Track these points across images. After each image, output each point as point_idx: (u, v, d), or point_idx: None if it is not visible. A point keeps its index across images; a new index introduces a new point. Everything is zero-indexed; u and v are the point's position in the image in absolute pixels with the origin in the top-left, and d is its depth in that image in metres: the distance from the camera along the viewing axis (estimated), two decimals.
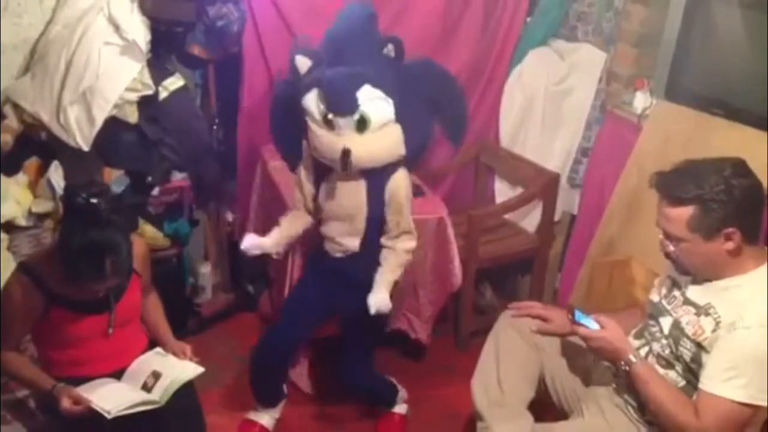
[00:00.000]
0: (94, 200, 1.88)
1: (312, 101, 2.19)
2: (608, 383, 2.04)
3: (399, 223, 2.31)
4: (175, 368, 2.09)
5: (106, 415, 1.88)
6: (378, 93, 2.15)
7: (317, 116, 2.19)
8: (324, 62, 2.22)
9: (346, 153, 2.14)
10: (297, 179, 2.42)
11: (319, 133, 2.20)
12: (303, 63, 2.24)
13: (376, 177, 2.27)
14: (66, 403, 1.91)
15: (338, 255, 2.38)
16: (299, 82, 2.23)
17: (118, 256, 1.89)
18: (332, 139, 2.18)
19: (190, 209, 3.05)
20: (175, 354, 2.15)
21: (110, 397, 1.95)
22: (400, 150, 2.24)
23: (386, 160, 2.23)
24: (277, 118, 2.44)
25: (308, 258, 2.58)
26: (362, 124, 2.16)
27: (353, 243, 2.34)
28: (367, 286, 2.29)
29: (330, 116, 2.15)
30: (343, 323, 2.53)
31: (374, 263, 2.33)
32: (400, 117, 2.20)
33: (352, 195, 2.29)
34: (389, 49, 2.22)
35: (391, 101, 2.17)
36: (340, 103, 2.14)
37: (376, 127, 2.17)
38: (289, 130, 2.36)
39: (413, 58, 2.27)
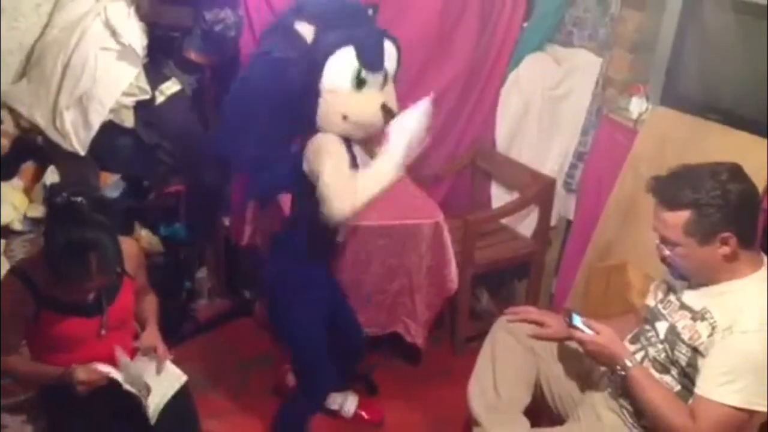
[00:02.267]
0: (75, 199, 1.88)
1: (340, 62, 2.08)
2: (604, 388, 2.04)
3: None
4: (162, 382, 2.08)
5: (123, 383, 1.94)
6: (392, 48, 2.17)
7: (345, 79, 2.09)
8: (330, 26, 2.12)
9: (387, 108, 2.12)
10: (337, 156, 2.12)
11: (347, 98, 2.11)
12: (307, 30, 2.10)
13: None
14: (82, 374, 1.92)
15: (342, 237, 2.32)
16: (310, 50, 2.09)
17: (102, 253, 1.88)
18: (364, 100, 2.13)
19: (187, 213, 3.05)
20: (144, 347, 2.11)
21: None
22: None
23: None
24: (256, 113, 2.14)
25: (300, 269, 2.33)
26: (385, 80, 2.16)
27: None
28: None
29: (363, 74, 2.10)
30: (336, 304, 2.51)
31: None
32: None
33: (365, 161, 2.23)
34: (370, 13, 2.23)
35: (396, 56, 2.18)
36: (377, 59, 2.12)
37: (389, 83, 2.19)
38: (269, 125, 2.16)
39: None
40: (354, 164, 2.18)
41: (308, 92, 2.11)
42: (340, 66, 2.09)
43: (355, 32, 2.11)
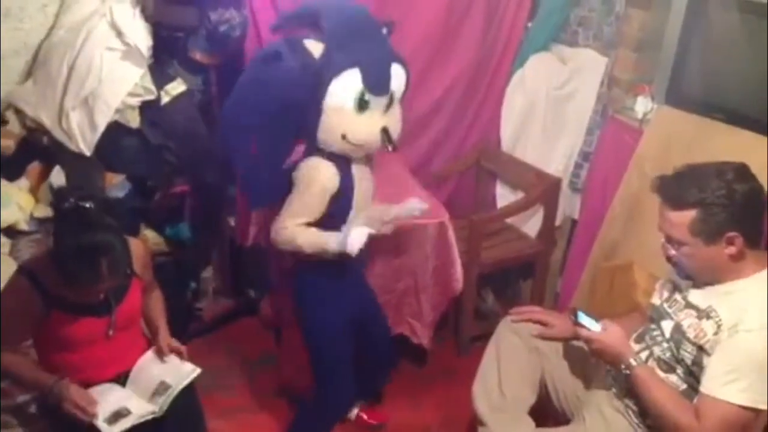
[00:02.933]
0: (83, 203, 1.89)
1: (345, 83, 2.10)
2: (609, 388, 2.04)
3: None
4: (174, 373, 2.09)
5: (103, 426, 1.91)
6: (401, 71, 2.17)
7: (348, 100, 2.11)
8: (340, 44, 2.12)
9: (387, 132, 2.14)
10: (318, 185, 2.16)
11: (349, 119, 2.13)
12: (315, 47, 2.12)
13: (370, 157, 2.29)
14: (69, 407, 1.91)
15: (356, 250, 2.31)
16: (317, 67, 2.10)
17: (111, 257, 1.88)
18: (365, 122, 2.14)
19: (192, 213, 3.06)
20: (161, 349, 2.14)
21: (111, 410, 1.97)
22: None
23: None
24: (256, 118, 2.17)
25: (317, 282, 2.33)
26: (390, 102, 2.17)
27: None
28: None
29: (367, 97, 2.11)
30: (367, 314, 2.51)
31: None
32: None
33: (369, 179, 2.28)
34: (384, 32, 2.23)
35: (405, 77, 2.20)
36: (382, 82, 2.13)
37: (395, 105, 2.20)
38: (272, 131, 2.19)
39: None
40: (349, 184, 2.21)
41: (311, 107, 2.13)
42: (345, 87, 2.10)
43: (363, 54, 2.11)
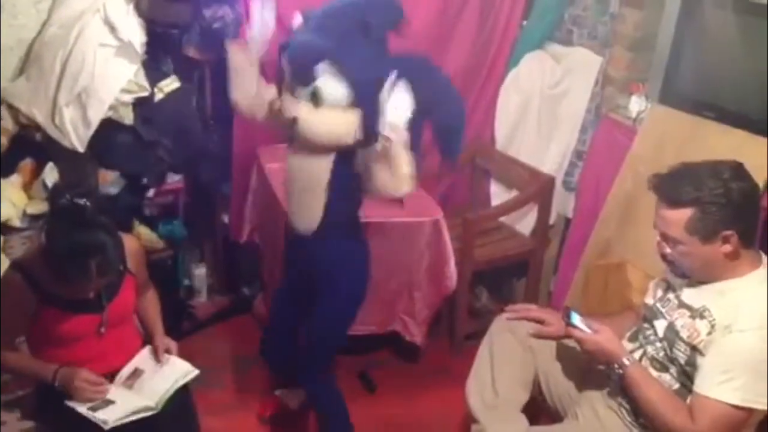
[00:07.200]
0: (78, 201, 1.88)
1: (284, 61, 2.13)
2: (602, 386, 2.04)
3: None
4: (172, 372, 2.09)
5: (103, 425, 1.89)
6: (334, 71, 2.06)
7: (286, 77, 2.13)
8: (309, 26, 2.12)
9: (293, 121, 2.09)
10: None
11: (283, 94, 2.14)
12: (297, 20, 2.15)
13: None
14: (79, 382, 1.92)
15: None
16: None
17: (103, 257, 1.87)
18: (288, 103, 2.11)
19: (185, 211, 3.05)
20: (157, 349, 2.13)
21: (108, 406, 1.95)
22: (348, 138, 2.10)
23: (329, 141, 2.12)
24: None
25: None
26: (316, 98, 2.08)
27: None
28: None
29: (290, 80, 2.11)
30: None
31: None
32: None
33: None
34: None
35: (345, 84, 2.07)
36: (297, 72, 2.10)
37: (332, 105, 2.08)
38: None
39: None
40: None
41: None
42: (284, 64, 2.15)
43: (293, 40, 2.12)
